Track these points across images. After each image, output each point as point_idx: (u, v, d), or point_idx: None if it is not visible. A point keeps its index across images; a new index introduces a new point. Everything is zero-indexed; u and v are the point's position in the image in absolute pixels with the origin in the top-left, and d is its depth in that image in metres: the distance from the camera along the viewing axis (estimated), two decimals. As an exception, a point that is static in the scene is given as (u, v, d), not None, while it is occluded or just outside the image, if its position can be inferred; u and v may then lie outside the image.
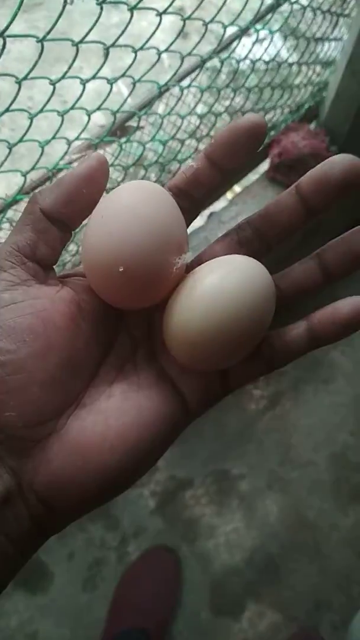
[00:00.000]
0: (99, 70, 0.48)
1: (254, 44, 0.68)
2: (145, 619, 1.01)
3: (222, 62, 0.61)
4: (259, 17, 0.65)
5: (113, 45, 0.48)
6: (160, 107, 0.71)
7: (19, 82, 0.45)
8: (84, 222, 0.28)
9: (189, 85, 0.61)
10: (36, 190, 0.29)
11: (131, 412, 0.27)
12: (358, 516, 1.13)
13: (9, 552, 0.25)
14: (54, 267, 0.29)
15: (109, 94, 0.53)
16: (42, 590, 1.08)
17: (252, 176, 1.03)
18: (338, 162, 0.26)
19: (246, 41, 0.71)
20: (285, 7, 0.70)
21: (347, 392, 1.23)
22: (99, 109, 0.53)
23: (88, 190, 0.27)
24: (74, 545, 1.10)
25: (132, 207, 0.26)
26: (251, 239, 0.29)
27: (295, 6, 0.68)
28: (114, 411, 0.27)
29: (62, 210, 0.27)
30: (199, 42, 0.53)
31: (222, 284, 0.26)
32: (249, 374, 0.29)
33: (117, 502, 1.13)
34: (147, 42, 0.50)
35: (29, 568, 1.07)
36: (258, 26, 0.65)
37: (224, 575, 1.09)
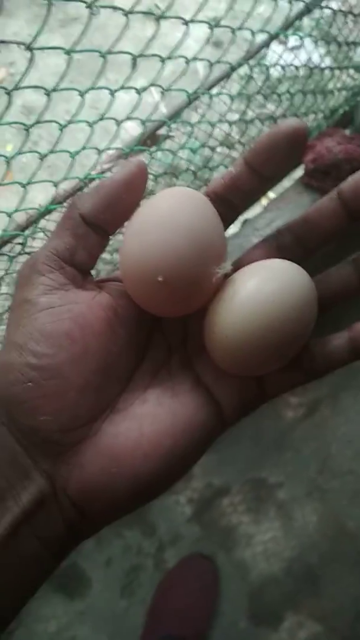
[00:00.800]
0: (126, 80, 0.49)
1: (284, 50, 0.68)
2: (183, 626, 1.01)
3: (251, 69, 0.61)
4: (289, 24, 0.65)
5: (141, 55, 0.48)
6: (193, 117, 0.71)
7: (48, 94, 0.46)
8: (121, 228, 0.29)
9: (219, 93, 0.62)
10: (76, 196, 0.29)
11: (165, 419, 0.27)
12: None
13: (42, 555, 0.26)
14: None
15: (138, 103, 0.54)
16: (80, 595, 1.09)
17: (287, 182, 1.02)
18: None
19: (278, 48, 0.72)
20: (317, 13, 0.69)
21: (387, 399, 1.21)
22: (128, 118, 0.54)
23: (127, 196, 0.27)
24: (112, 552, 1.11)
25: (171, 214, 0.25)
26: (290, 245, 0.29)
27: (326, 11, 0.68)
28: (148, 417, 0.27)
29: (101, 216, 0.27)
30: (227, 48, 0.53)
31: (263, 288, 0.25)
32: (287, 383, 0.28)
33: (154, 509, 1.13)
34: (174, 50, 0.50)
35: (67, 574, 1.09)
36: (288, 32, 0.65)
37: (262, 584, 1.08)
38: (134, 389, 0.28)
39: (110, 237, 0.29)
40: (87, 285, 0.28)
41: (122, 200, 0.27)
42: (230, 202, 0.28)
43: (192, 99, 0.59)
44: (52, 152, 0.52)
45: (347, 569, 1.08)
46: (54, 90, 0.46)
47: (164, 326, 0.30)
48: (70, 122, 0.50)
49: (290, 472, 1.16)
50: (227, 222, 0.29)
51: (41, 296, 0.26)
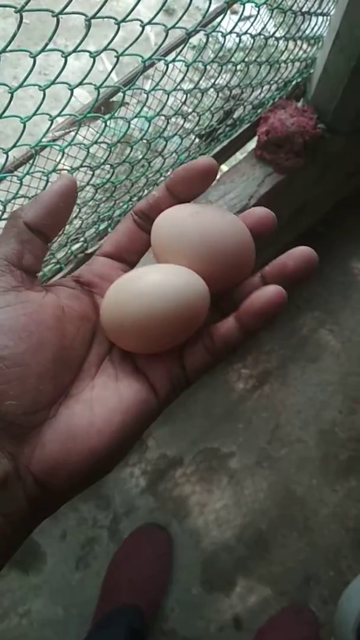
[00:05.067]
0: (80, 42, 0.47)
1: (239, 18, 0.67)
2: (138, 595, 1.03)
3: (207, 36, 0.60)
4: (244, -9, 0.64)
5: (94, 16, 0.47)
6: (147, 84, 0.70)
7: (-2, 56, 0.44)
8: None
9: (174, 60, 0.60)
10: (16, 208, 0.32)
11: (113, 399, 0.30)
12: (346, 492, 1.14)
13: (7, 532, 0.27)
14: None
15: (91, 68, 0.52)
16: (35, 569, 1.09)
17: (240, 155, 1.02)
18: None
19: (233, 18, 0.70)
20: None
21: (334, 370, 1.24)
22: (82, 83, 0.52)
23: (63, 204, 0.32)
24: (67, 525, 1.11)
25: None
26: None
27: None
28: (98, 399, 0.30)
29: (43, 222, 0.31)
30: (183, 13, 0.52)
31: (151, 281, 0.30)
32: (199, 365, 0.32)
33: (109, 482, 1.14)
34: (130, 13, 0.49)
35: (22, 548, 1.08)
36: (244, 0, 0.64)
37: (214, 551, 1.11)
38: (83, 377, 0.31)
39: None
40: (35, 287, 0.31)
41: (60, 208, 0.32)
42: (151, 218, 0.33)
43: (147, 65, 0.58)
44: (1, 117, 0.50)
45: (296, 533, 1.12)
46: (4, 51, 0.44)
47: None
48: (21, 85, 0.48)
49: (241, 442, 1.18)
50: (148, 232, 0.34)
51: None
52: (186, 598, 1.08)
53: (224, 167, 1.08)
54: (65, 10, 0.45)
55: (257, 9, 0.68)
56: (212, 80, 0.74)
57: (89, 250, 0.80)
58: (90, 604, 1.05)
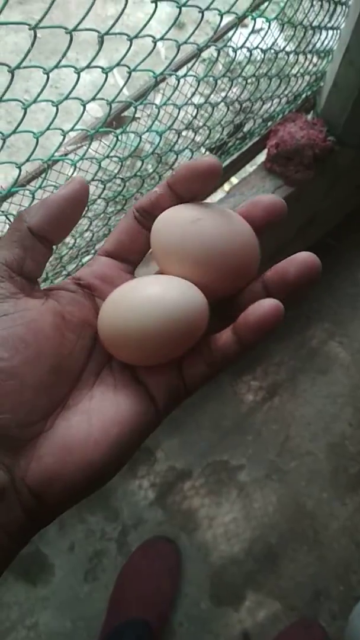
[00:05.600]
0: (93, 58, 0.48)
1: (250, 33, 0.68)
2: (146, 609, 1.02)
3: (218, 51, 0.60)
4: (255, 6, 0.65)
5: (107, 33, 0.47)
6: (157, 99, 0.70)
7: (12, 71, 0.44)
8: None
9: (186, 75, 0.61)
10: (23, 210, 0.31)
11: (110, 410, 0.29)
12: (356, 505, 1.13)
13: (4, 543, 0.27)
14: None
15: (104, 84, 0.53)
16: (43, 582, 1.08)
17: (249, 167, 1.03)
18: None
19: (243, 31, 0.71)
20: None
21: (344, 382, 1.23)
22: (94, 99, 0.52)
23: (71, 210, 0.31)
24: (75, 537, 1.11)
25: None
26: None
27: (292, -6, 0.68)
28: (95, 410, 0.29)
29: (48, 228, 0.30)
30: (195, 29, 0.52)
31: (149, 293, 0.29)
32: (198, 376, 0.31)
33: (117, 494, 1.14)
34: (142, 29, 0.49)
35: (29, 560, 1.08)
36: (255, 14, 0.65)
37: (223, 565, 1.10)
38: (81, 387, 0.31)
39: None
40: (35, 293, 0.30)
41: (67, 214, 0.31)
42: (153, 215, 0.32)
43: (158, 79, 0.58)
44: (15, 132, 0.50)
45: (306, 547, 1.11)
46: (18, 67, 0.45)
47: None
48: (35, 100, 0.48)
49: (251, 454, 1.18)
50: (150, 229, 0.33)
51: None
52: (195, 612, 1.07)
53: (234, 180, 1.08)
54: (79, 27, 0.46)
55: (267, 23, 0.69)
56: (223, 94, 0.75)
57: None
58: (98, 617, 1.05)
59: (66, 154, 0.60)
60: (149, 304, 0.29)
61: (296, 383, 1.24)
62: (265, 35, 0.69)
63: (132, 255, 0.34)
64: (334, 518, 1.13)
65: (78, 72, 0.49)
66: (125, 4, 0.47)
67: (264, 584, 1.09)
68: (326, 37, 0.84)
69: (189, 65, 0.61)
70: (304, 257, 0.30)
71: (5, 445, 0.27)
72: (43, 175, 0.59)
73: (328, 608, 1.07)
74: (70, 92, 0.50)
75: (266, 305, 0.28)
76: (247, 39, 0.65)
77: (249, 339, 0.29)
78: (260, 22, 0.67)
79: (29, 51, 0.44)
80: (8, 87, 0.46)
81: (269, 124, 0.92)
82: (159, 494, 1.14)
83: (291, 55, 0.80)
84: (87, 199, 0.31)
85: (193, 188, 0.31)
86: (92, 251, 0.79)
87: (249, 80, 0.74)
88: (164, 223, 0.31)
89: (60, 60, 0.47)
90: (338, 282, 1.31)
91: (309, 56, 0.85)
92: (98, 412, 0.29)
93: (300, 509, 1.14)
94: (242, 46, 0.65)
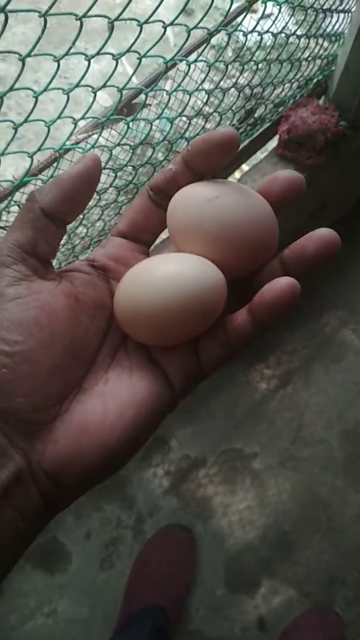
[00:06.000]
0: (104, 44, 0.48)
1: (260, 17, 0.67)
2: (162, 596, 1.03)
3: (229, 35, 0.60)
4: (265, -10, 0.64)
5: (117, 19, 0.47)
6: (167, 85, 0.70)
7: (23, 60, 0.44)
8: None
9: (196, 60, 0.60)
10: (35, 190, 0.30)
11: (126, 393, 0.29)
12: (371, 493, 1.13)
13: (20, 526, 0.27)
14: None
15: (114, 71, 0.53)
16: (60, 570, 1.09)
17: (260, 154, 1.02)
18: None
19: (253, 16, 0.70)
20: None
21: (358, 370, 1.23)
22: (104, 86, 0.52)
23: (84, 189, 0.30)
24: (91, 525, 1.12)
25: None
26: None
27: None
28: (111, 393, 0.29)
29: (61, 208, 0.29)
30: (205, 13, 0.52)
31: (166, 272, 0.29)
32: (215, 358, 0.31)
33: (132, 482, 1.14)
34: (151, 15, 0.49)
35: (47, 548, 1.09)
36: (264, -1, 0.64)
37: (238, 552, 1.10)
38: (97, 369, 0.30)
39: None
40: (49, 275, 0.30)
41: (80, 193, 0.30)
42: (168, 194, 0.32)
43: (169, 65, 0.58)
44: (26, 121, 0.50)
45: (320, 535, 1.11)
46: (29, 55, 0.45)
47: None
48: (45, 89, 0.48)
49: (265, 442, 1.18)
50: (164, 209, 0.32)
51: (8, 287, 0.28)
52: (210, 599, 1.08)
53: (245, 167, 1.08)
54: (88, 14, 0.46)
55: (278, 7, 0.68)
56: (234, 80, 0.74)
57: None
58: (115, 604, 1.06)
59: (77, 143, 0.60)
60: (166, 282, 0.29)
61: (310, 371, 1.23)
62: (275, 19, 0.68)
63: (146, 236, 0.33)
64: (347, 505, 1.13)
65: (88, 59, 0.49)
66: (135, -10, 0.47)
67: (279, 570, 1.09)
68: (337, 21, 0.83)
69: (199, 50, 0.61)
70: (322, 233, 0.29)
71: (21, 430, 0.27)
72: (55, 164, 0.59)
73: (343, 595, 1.07)
74: (80, 80, 0.50)
75: (282, 283, 0.28)
76: (257, 23, 0.64)
77: (264, 319, 0.29)
78: (270, 6, 0.67)
79: (39, 39, 0.44)
80: (19, 76, 0.46)
81: (280, 109, 0.91)
82: (174, 482, 1.15)
83: (302, 39, 0.79)
84: (99, 176, 0.30)
85: (210, 161, 0.30)
86: (104, 240, 0.79)
87: (260, 65, 0.73)
88: (180, 202, 0.30)
89: (70, 47, 0.47)
90: (351, 269, 1.30)
91: (320, 40, 0.84)
92: (113, 395, 0.29)
93: (314, 497, 1.14)
94: (252, 30, 0.65)
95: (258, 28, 0.66)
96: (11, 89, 0.47)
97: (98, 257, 0.33)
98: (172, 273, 0.29)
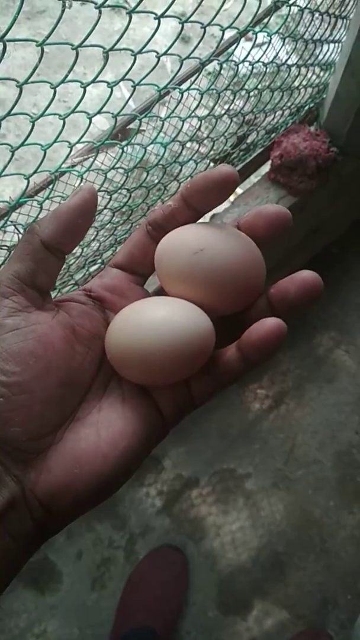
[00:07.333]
0: (98, 74, 0.49)
1: (252, 46, 0.69)
2: (153, 617, 1.02)
3: (220, 65, 0.62)
4: (257, 20, 0.66)
5: (112, 48, 0.49)
6: (163, 111, 0.72)
7: (20, 86, 0.46)
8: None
9: (189, 88, 0.62)
10: (34, 223, 0.31)
11: (118, 422, 0.30)
12: (363, 514, 1.13)
13: (13, 550, 0.28)
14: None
15: (109, 97, 0.54)
16: (51, 589, 1.09)
17: (254, 178, 1.04)
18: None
19: (246, 45, 0.73)
20: (284, 10, 0.71)
21: (350, 390, 1.24)
22: (99, 112, 0.54)
23: (81, 220, 0.31)
24: (83, 545, 1.11)
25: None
26: None
27: (294, 8, 0.69)
28: (104, 422, 0.30)
29: (60, 240, 0.30)
30: (197, 44, 0.54)
31: (156, 316, 0.30)
32: (205, 391, 0.31)
33: (124, 502, 1.14)
34: (146, 44, 0.51)
35: (38, 568, 1.09)
36: (256, 29, 0.66)
37: (230, 573, 1.10)
38: (90, 399, 0.31)
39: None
40: (47, 305, 0.31)
41: (78, 224, 0.30)
42: (166, 230, 0.32)
43: (162, 93, 0.60)
44: (23, 144, 0.52)
45: (313, 556, 1.11)
46: (26, 82, 0.46)
47: None
48: (42, 114, 0.50)
49: (258, 463, 1.18)
50: None
51: (7, 318, 0.29)
52: (202, 621, 1.07)
53: (239, 190, 1.10)
54: (84, 44, 0.47)
55: (269, 37, 0.70)
56: (226, 107, 0.76)
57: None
58: (106, 625, 1.05)
59: (73, 166, 0.62)
60: (156, 327, 0.29)
61: (303, 391, 1.24)
62: (267, 49, 0.71)
63: (143, 269, 0.34)
64: (341, 526, 1.13)
65: (84, 87, 0.51)
66: (129, 21, 0.49)
67: (272, 592, 1.09)
68: (328, 50, 0.85)
69: (192, 79, 0.63)
70: (304, 277, 0.29)
71: (16, 458, 0.28)
72: (50, 186, 0.60)
73: (336, 617, 1.07)
74: (76, 106, 0.52)
75: (268, 323, 0.28)
76: (248, 53, 0.67)
77: (253, 357, 0.29)
78: (261, 36, 0.69)
79: (36, 66, 0.45)
80: (17, 101, 0.47)
81: (273, 135, 0.94)
82: (166, 502, 1.15)
83: (293, 68, 0.81)
84: (96, 207, 0.31)
85: (209, 199, 0.31)
86: (99, 260, 0.80)
87: (252, 93, 0.76)
88: (167, 252, 0.31)
89: (66, 76, 0.49)
90: (344, 290, 1.32)
91: (311, 69, 0.86)
92: (106, 424, 0.30)
93: (308, 518, 1.14)
94: (244, 60, 0.67)
95: (250, 57, 0.68)
96: (8, 113, 0.48)
97: (95, 288, 0.33)
98: (162, 319, 0.30)
